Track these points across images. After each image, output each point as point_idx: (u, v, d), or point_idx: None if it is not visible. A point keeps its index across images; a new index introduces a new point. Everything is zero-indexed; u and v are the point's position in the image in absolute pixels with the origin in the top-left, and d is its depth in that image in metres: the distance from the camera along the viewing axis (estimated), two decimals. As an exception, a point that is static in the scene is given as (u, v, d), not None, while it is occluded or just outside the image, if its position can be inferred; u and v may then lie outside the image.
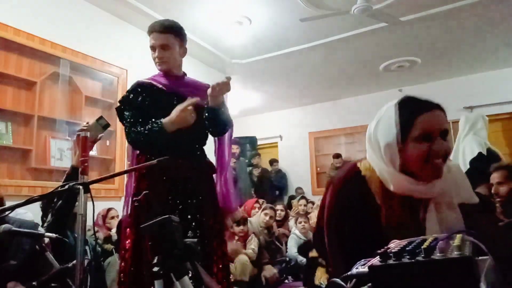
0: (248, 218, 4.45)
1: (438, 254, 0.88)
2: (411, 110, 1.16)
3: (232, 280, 3.52)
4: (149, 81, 2.04)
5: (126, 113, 1.98)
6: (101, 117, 1.98)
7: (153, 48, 2.04)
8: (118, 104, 2.05)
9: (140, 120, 1.91)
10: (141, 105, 1.95)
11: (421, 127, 1.13)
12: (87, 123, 1.97)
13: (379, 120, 1.21)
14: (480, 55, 5.60)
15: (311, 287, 3.61)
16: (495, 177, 2.40)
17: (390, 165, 1.15)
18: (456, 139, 4.43)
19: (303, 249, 4.30)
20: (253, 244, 3.97)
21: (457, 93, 6.45)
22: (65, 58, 3.44)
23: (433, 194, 1.15)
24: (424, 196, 1.15)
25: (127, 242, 1.92)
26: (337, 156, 7.08)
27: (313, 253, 3.66)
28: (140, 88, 2.00)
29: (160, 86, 2.02)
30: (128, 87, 4.23)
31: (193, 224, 1.97)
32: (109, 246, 2.92)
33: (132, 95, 1.99)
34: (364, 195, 1.18)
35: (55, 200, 2.02)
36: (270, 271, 4.00)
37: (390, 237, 1.03)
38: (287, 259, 4.43)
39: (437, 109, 1.18)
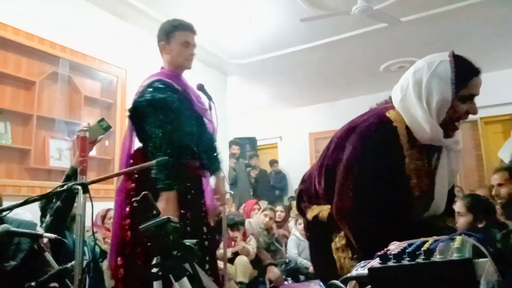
0: (248, 219, 4.44)
1: (438, 256, 0.87)
2: (467, 71, 1.30)
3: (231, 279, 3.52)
4: (170, 81, 1.91)
5: (161, 117, 1.78)
6: (102, 119, 1.94)
7: (186, 44, 1.99)
8: (141, 104, 1.84)
9: (175, 131, 1.78)
10: (176, 111, 1.82)
11: (472, 89, 1.30)
12: (88, 124, 1.94)
13: (431, 73, 1.26)
14: (480, 55, 5.58)
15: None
16: (495, 179, 2.40)
17: (435, 117, 1.25)
18: None
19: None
20: (252, 245, 3.97)
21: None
22: (64, 58, 3.43)
23: (449, 144, 1.33)
24: (444, 144, 1.31)
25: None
26: None
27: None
28: (171, 90, 1.86)
29: (179, 88, 1.94)
30: (128, 87, 4.25)
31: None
32: (107, 247, 2.91)
33: (166, 96, 1.82)
34: (395, 144, 1.29)
35: (54, 200, 2.01)
36: (274, 273, 3.98)
37: (408, 184, 1.24)
38: (287, 260, 4.41)
39: (480, 73, 1.32)
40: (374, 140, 1.33)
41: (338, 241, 1.42)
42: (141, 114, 1.84)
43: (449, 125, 1.29)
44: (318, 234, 1.55)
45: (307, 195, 1.67)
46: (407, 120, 1.32)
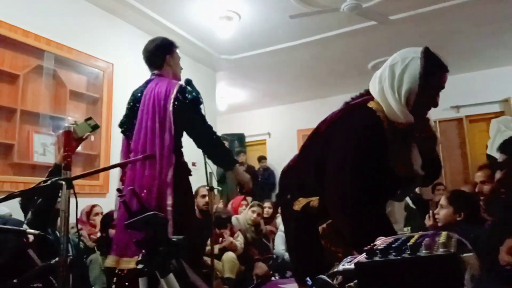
0: (235, 216, 4.44)
1: (423, 251, 0.88)
2: (435, 68, 1.50)
3: (219, 277, 3.52)
4: None
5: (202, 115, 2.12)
6: (90, 118, 1.96)
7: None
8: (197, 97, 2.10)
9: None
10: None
11: (440, 83, 1.54)
12: (75, 122, 1.95)
13: (403, 68, 1.46)
14: (467, 55, 5.68)
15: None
16: (479, 176, 2.44)
17: (404, 105, 1.45)
18: None
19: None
20: (239, 241, 3.97)
21: (443, 92, 6.43)
22: (49, 51, 3.36)
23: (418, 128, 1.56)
24: (415, 128, 1.54)
25: None
26: None
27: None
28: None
29: None
30: (115, 81, 4.20)
31: None
32: (91, 244, 2.87)
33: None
34: (381, 131, 1.46)
35: (36, 197, 1.97)
36: (262, 268, 3.99)
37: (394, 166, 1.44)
38: (274, 256, 4.43)
39: (447, 70, 1.55)
40: (364, 129, 1.47)
41: (327, 227, 1.55)
42: (192, 109, 2.06)
43: (418, 113, 1.50)
44: (305, 224, 1.62)
45: (290, 188, 1.77)
46: (385, 108, 1.49)
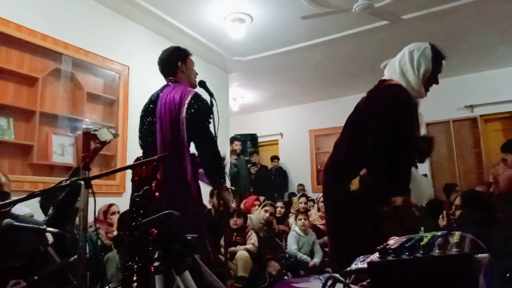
0: (248, 215, 4.46)
1: (437, 251, 0.89)
2: (439, 55, 2.06)
3: (232, 276, 3.55)
4: None
5: (210, 126, 2.16)
6: (111, 127, 2.11)
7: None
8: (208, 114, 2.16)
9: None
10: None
11: (440, 66, 2.07)
12: (98, 128, 2.06)
13: (420, 54, 2.03)
14: (481, 53, 5.59)
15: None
16: (454, 200, 2.56)
17: (421, 81, 2.02)
18: None
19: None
20: (253, 239, 3.99)
21: (457, 92, 6.45)
22: (67, 54, 3.44)
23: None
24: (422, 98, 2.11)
25: None
26: None
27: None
28: None
29: None
30: (130, 83, 4.27)
31: None
32: (108, 242, 2.93)
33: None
34: (411, 99, 1.99)
35: (58, 195, 2.03)
36: (274, 267, 4.01)
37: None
38: (287, 255, 4.44)
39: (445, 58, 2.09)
40: (400, 96, 1.95)
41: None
42: (202, 119, 2.12)
43: (426, 87, 2.06)
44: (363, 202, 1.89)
45: (337, 176, 2.08)
46: (404, 84, 2.00)
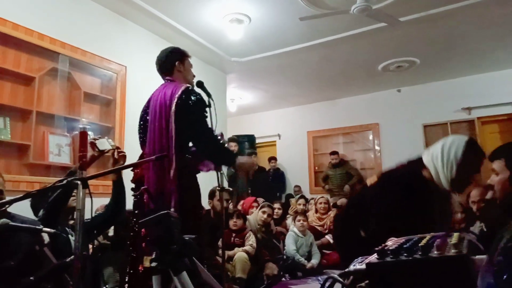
0: (246, 216, 4.46)
1: (435, 252, 0.89)
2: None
3: (230, 277, 3.54)
4: None
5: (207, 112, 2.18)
6: (109, 139, 2.19)
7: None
8: (204, 106, 2.16)
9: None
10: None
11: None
12: (98, 137, 2.13)
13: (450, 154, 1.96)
14: (478, 56, 5.62)
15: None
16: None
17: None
18: None
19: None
20: (251, 241, 3.99)
21: (455, 94, 6.47)
22: (64, 54, 3.43)
23: None
24: None
25: None
26: (334, 153, 7.12)
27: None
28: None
29: None
30: (128, 83, 4.26)
31: None
32: (105, 242, 2.92)
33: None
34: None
35: (49, 195, 2.02)
36: (272, 269, 4.01)
37: None
38: (285, 257, 4.43)
39: None
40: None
41: None
42: (193, 110, 2.10)
43: None
44: None
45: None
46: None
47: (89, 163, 2.00)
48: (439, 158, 1.94)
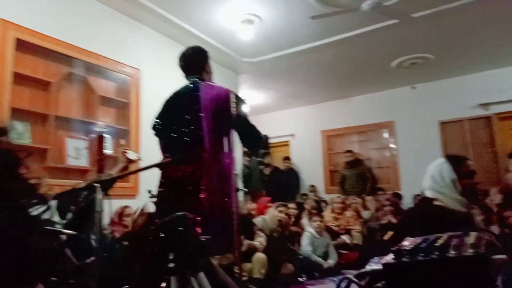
0: (262, 216, 4.46)
1: (452, 252, 0.88)
2: None
3: (247, 278, 3.55)
4: None
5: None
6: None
7: None
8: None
9: None
10: None
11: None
12: (127, 149, 2.34)
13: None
14: (494, 50, 5.50)
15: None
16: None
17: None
18: None
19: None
20: (259, 239, 3.96)
21: (471, 90, 6.34)
22: (79, 59, 3.49)
23: None
24: None
25: None
26: (348, 151, 7.10)
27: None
28: None
29: None
30: (142, 86, 4.33)
31: None
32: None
33: None
34: None
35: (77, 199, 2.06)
36: (288, 269, 4.00)
37: None
38: (301, 257, 4.42)
39: None
40: None
41: None
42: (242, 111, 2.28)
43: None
44: None
45: None
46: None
47: (122, 171, 2.16)
48: (439, 186, 2.02)
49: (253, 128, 2.32)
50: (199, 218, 1.97)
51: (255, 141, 2.39)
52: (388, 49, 5.30)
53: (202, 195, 2.02)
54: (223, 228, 2.05)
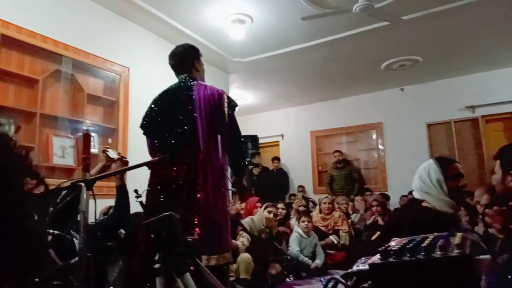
0: (250, 217, 4.45)
1: (438, 252, 0.88)
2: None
3: (234, 278, 3.54)
4: None
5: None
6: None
7: None
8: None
9: None
10: None
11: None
12: (108, 148, 2.35)
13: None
14: (482, 54, 5.59)
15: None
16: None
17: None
18: None
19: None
20: (242, 240, 3.93)
21: (459, 92, 6.44)
22: (67, 56, 3.44)
23: None
24: None
25: None
26: (337, 152, 7.16)
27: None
28: None
29: None
30: (131, 85, 4.28)
31: None
32: (110, 244, 2.92)
33: None
34: None
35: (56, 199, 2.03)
36: (276, 269, 4.00)
37: None
38: (289, 257, 4.43)
39: None
40: None
41: None
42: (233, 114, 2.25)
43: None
44: None
45: None
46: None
47: (102, 171, 2.16)
48: (426, 187, 2.03)
49: (238, 146, 2.30)
50: (196, 218, 1.97)
51: (238, 166, 2.31)
52: (377, 51, 5.35)
53: (198, 195, 2.02)
54: (219, 228, 2.05)
